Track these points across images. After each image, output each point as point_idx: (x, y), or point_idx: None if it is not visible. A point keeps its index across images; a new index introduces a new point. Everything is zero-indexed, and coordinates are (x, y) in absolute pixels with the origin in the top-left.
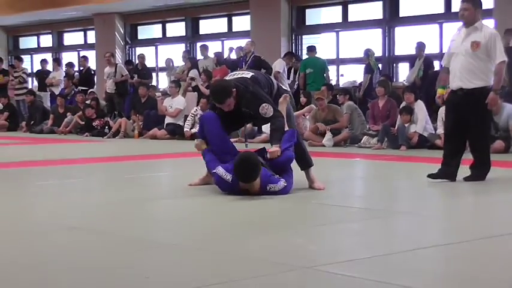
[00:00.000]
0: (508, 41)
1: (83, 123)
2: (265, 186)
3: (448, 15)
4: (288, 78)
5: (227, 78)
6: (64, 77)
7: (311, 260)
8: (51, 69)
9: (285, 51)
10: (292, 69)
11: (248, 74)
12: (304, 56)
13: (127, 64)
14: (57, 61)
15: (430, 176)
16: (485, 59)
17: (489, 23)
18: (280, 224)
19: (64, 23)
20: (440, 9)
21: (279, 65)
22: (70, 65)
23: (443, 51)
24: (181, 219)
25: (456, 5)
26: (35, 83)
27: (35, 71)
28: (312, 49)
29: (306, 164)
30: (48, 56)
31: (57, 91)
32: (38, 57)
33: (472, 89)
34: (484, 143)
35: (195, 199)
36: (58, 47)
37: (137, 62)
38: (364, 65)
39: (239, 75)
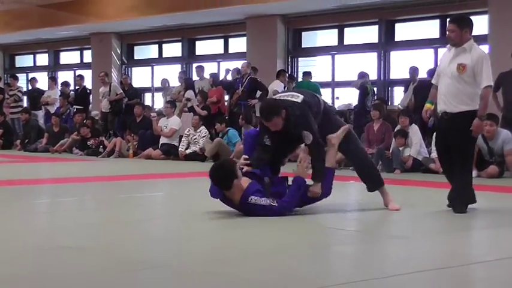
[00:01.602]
0: None
1: (79, 138)
2: (247, 197)
3: (443, 40)
4: None
5: (276, 97)
6: (59, 95)
7: (303, 283)
8: (41, 87)
9: None
10: (285, 88)
11: (298, 98)
12: (299, 79)
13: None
14: (53, 80)
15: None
16: (472, 82)
17: (484, 49)
18: (272, 246)
19: (61, 42)
20: (436, 34)
21: (277, 85)
22: (65, 83)
23: None
24: (174, 240)
25: None
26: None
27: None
28: (307, 74)
29: (371, 185)
30: (44, 75)
31: (52, 110)
32: (34, 76)
33: (457, 114)
34: (463, 172)
35: (189, 220)
36: (54, 66)
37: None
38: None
39: (289, 98)
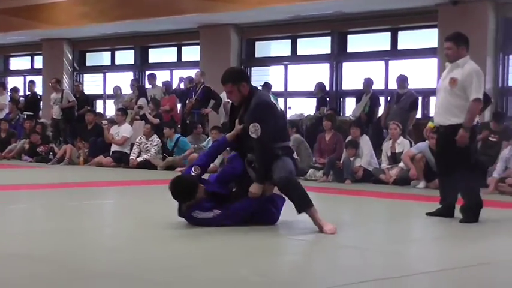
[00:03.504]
0: None
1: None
2: (193, 210)
3: (394, 52)
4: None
5: None
6: (9, 101)
7: None
8: None
9: None
10: None
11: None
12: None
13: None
14: (2, 85)
15: (428, 213)
16: (462, 96)
17: (433, 62)
18: (226, 255)
19: (11, 47)
20: (387, 47)
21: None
22: (15, 89)
23: (388, 88)
24: (124, 249)
25: (402, 43)
26: None
27: None
28: (266, 85)
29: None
30: None
31: (1, 115)
32: None
33: (448, 126)
34: (467, 180)
35: (139, 228)
36: (4, 72)
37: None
38: (315, 99)
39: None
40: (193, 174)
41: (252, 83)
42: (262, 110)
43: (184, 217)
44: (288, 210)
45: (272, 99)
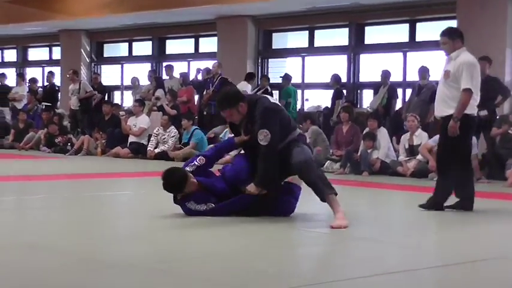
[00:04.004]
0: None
1: (46, 132)
2: (188, 200)
3: (412, 44)
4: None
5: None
6: (27, 92)
7: (270, 284)
8: (9, 84)
9: None
10: (257, 89)
11: (272, 99)
12: (273, 80)
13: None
14: (21, 76)
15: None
16: (456, 87)
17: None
18: (242, 246)
19: (29, 38)
20: (405, 39)
21: (244, 86)
22: (33, 80)
23: (406, 80)
24: (140, 239)
25: (420, 35)
26: None
27: None
28: (288, 78)
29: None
30: (12, 71)
31: (20, 106)
32: (1, 72)
33: (444, 117)
34: (449, 169)
35: (155, 219)
36: (22, 62)
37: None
38: (332, 91)
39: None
40: (195, 165)
41: (268, 75)
42: (268, 116)
43: (179, 205)
44: (304, 202)
45: (291, 91)
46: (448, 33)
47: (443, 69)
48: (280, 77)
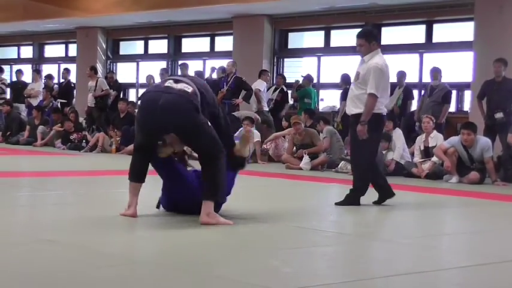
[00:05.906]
0: (498, 71)
1: (62, 129)
2: (173, 159)
3: (428, 45)
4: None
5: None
6: (43, 88)
7: (286, 283)
8: (26, 80)
9: None
10: (274, 88)
11: (189, 88)
12: (289, 79)
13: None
14: (37, 72)
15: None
16: (364, 88)
17: (469, 55)
18: (255, 246)
19: (46, 35)
20: (422, 40)
21: (259, 84)
22: (49, 77)
23: (422, 81)
24: (153, 237)
25: (437, 36)
26: None
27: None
28: (310, 79)
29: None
30: (28, 67)
31: (35, 102)
32: (18, 68)
33: (352, 115)
34: (358, 166)
35: (167, 217)
36: (38, 59)
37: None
38: (340, 91)
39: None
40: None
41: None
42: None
43: (157, 165)
44: (305, 202)
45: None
46: (364, 35)
47: (356, 70)
48: (302, 76)
